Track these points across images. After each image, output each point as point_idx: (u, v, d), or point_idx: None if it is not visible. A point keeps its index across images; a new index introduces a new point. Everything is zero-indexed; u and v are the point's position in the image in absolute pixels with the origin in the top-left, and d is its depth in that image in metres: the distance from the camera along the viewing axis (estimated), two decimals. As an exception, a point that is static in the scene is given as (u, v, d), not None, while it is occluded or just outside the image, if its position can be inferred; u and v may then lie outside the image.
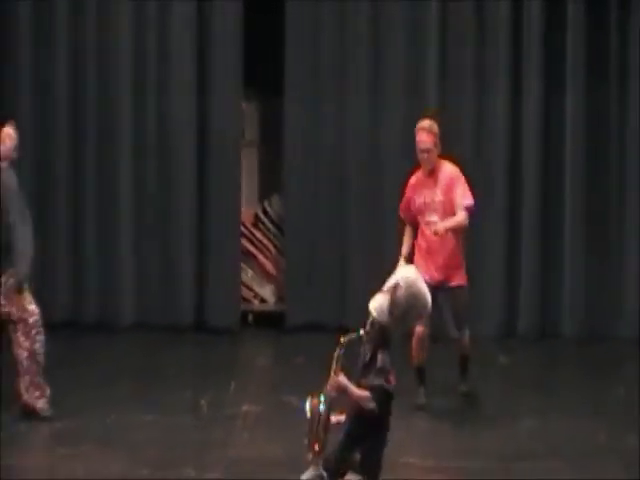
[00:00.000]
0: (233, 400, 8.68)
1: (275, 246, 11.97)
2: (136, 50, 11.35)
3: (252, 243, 11.97)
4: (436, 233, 7.92)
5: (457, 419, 8.11)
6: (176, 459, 7.08)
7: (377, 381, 5.61)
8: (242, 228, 11.85)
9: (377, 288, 11.59)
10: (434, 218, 8.16)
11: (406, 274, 5.82)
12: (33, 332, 7.92)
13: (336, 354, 5.63)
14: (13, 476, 6.74)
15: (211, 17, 11.37)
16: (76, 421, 7.88)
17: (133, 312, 11.41)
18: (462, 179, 8.21)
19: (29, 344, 7.90)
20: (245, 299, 11.84)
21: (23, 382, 7.89)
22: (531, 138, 11.38)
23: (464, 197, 8.15)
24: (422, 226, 8.25)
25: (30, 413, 7.86)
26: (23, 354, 7.90)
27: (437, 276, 8.18)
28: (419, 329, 8.04)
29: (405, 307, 5.66)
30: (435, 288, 7.81)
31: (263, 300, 11.95)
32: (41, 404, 7.90)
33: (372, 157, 11.44)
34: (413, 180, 8.36)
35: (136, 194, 11.40)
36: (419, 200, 8.24)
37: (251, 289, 11.90)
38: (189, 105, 11.37)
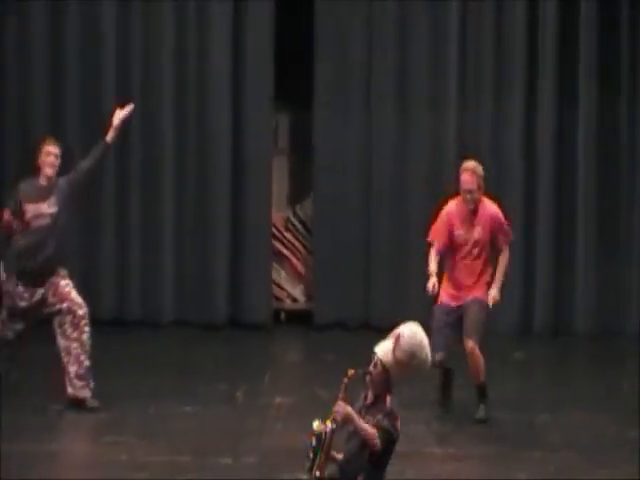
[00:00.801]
0: (266, 392, 8.69)
1: (305, 247, 11.96)
2: (178, 68, 11.34)
3: (284, 245, 11.97)
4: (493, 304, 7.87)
5: (476, 411, 8.02)
6: (213, 447, 7.09)
7: (386, 423, 5.51)
8: (274, 231, 11.85)
9: (401, 288, 11.64)
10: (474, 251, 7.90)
11: (410, 327, 5.73)
12: (82, 323, 7.91)
13: (343, 384, 5.54)
14: (61, 463, 6.77)
15: (246, 36, 11.35)
16: (120, 411, 7.89)
17: (173, 310, 11.43)
18: (502, 217, 7.99)
19: (77, 335, 7.88)
20: (278, 298, 11.84)
21: (69, 374, 7.86)
22: (545, 147, 11.34)
23: (507, 235, 7.99)
24: (456, 258, 7.92)
25: (76, 404, 7.85)
26: (72, 345, 7.88)
27: (463, 297, 7.94)
28: (469, 344, 7.76)
29: (408, 354, 5.59)
30: (458, 307, 7.84)
31: (294, 299, 11.94)
32: (87, 395, 7.88)
33: (397, 164, 11.41)
34: (454, 210, 8.00)
35: (177, 199, 11.42)
36: (459, 233, 7.90)
37: (283, 289, 11.90)
38: (225, 117, 11.36)
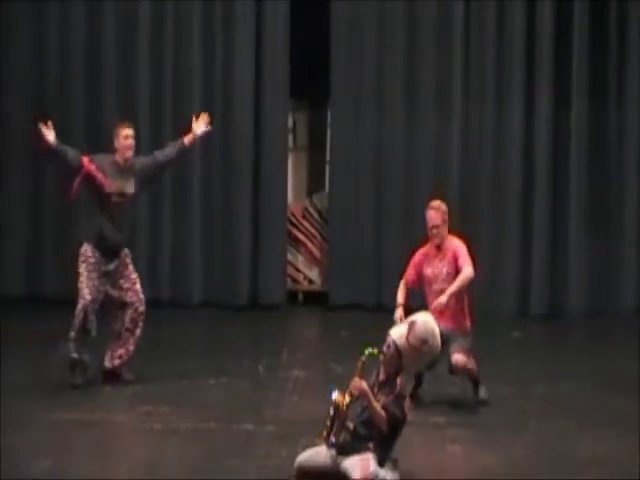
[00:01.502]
0: (285, 366, 8.71)
1: (321, 235, 12.01)
2: (206, 72, 11.43)
3: (302, 232, 12.01)
4: (436, 307, 7.35)
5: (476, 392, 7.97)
6: (237, 415, 7.12)
7: (393, 408, 5.58)
8: (293, 219, 11.89)
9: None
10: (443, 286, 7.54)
11: (423, 317, 5.85)
12: (140, 319, 7.84)
13: (360, 363, 5.61)
14: (102, 430, 6.82)
15: (266, 43, 11.40)
16: (154, 384, 7.92)
17: (201, 292, 11.50)
18: (465, 249, 7.65)
19: (132, 328, 7.81)
20: (295, 280, 11.88)
21: (113, 352, 7.83)
22: (542, 144, 11.36)
23: (466, 260, 7.56)
24: (429, 296, 7.63)
25: (115, 377, 7.85)
26: (125, 334, 7.80)
27: (442, 325, 7.17)
28: (459, 363, 7.40)
29: (421, 340, 5.67)
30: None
31: (311, 281, 11.99)
32: (125, 370, 7.91)
33: (405, 158, 11.45)
34: (423, 252, 7.73)
35: (204, 192, 11.47)
36: (428, 271, 7.66)
37: (301, 272, 11.95)
38: (248, 116, 11.43)
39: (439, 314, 7.09)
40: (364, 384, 5.58)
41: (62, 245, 11.34)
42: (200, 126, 8.11)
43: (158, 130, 11.30)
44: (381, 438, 5.65)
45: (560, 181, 11.36)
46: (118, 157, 7.78)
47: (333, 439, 5.63)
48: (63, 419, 6.96)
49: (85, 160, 7.67)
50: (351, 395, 5.61)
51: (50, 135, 7.68)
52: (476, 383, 7.55)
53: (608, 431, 6.91)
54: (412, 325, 5.74)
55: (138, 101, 11.40)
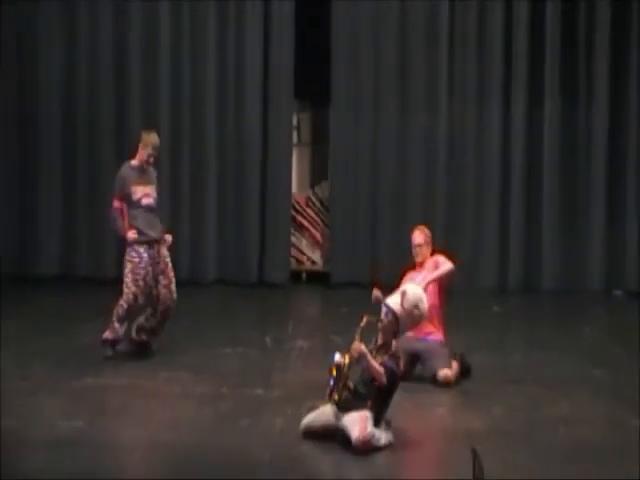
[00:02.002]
0: (290, 338, 8.69)
1: (322, 221, 11.99)
2: (219, 76, 11.37)
3: (305, 218, 11.99)
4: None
5: (457, 352, 7.90)
6: (248, 381, 7.12)
7: (390, 364, 5.64)
8: (297, 207, 11.87)
9: (401, 254, 11.59)
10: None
11: (412, 286, 6.04)
12: (168, 313, 7.69)
13: (359, 328, 5.65)
14: (128, 394, 6.82)
15: (271, 47, 11.34)
16: (173, 353, 7.90)
17: (215, 271, 11.48)
18: (444, 259, 7.41)
19: (160, 319, 7.68)
20: (299, 261, 11.87)
21: (138, 323, 7.74)
22: (519, 139, 11.33)
23: (447, 261, 7.34)
24: None
25: (138, 347, 7.80)
26: (150, 319, 7.68)
27: (422, 334, 7.25)
28: (447, 377, 7.08)
29: (413, 305, 5.79)
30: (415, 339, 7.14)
31: (313, 262, 11.98)
32: (147, 340, 7.82)
33: (398, 152, 11.42)
34: (408, 273, 7.43)
35: (218, 182, 11.45)
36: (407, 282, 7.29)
37: (304, 254, 11.94)
38: (257, 117, 11.39)
39: (423, 326, 6.92)
40: (363, 346, 5.62)
41: (93, 231, 11.37)
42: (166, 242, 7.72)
43: (177, 125, 11.35)
44: (379, 397, 5.67)
45: (534, 171, 11.33)
46: (141, 163, 7.64)
47: (336, 397, 5.65)
48: (93, 384, 6.98)
49: (117, 208, 7.60)
50: (351, 357, 5.63)
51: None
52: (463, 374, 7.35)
53: (579, 395, 6.91)
54: (404, 294, 5.84)
55: (160, 101, 11.38)
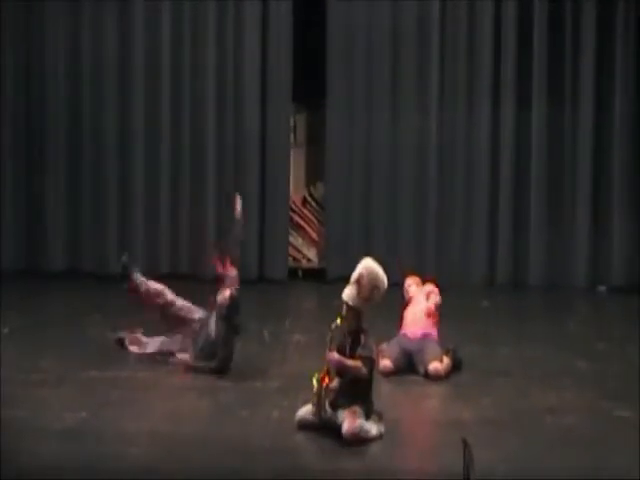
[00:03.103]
0: (287, 331, 8.69)
1: (318, 220, 11.98)
2: (218, 79, 11.35)
3: (301, 218, 11.98)
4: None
5: (449, 347, 7.91)
6: (247, 373, 7.11)
7: (365, 352, 5.52)
8: (294, 207, 11.86)
9: (393, 251, 11.63)
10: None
11: (366, 265, 5.66)
12: (186, 318, 7.54)
13: (329, 337, 5.56)
14: (129, 386, 6.81)
15: (270, 51, 11.31)
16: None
17: (214, 269, 11.40)
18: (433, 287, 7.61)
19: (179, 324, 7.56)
20: (296, 259, 11.86)
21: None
22: (507, 138, 11.32)
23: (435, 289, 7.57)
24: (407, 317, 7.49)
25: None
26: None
27: (414, 333, 7.33)
28: (437, 371, 7.02)
29: (371, 289, 5.55)
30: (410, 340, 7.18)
31: (309, 260, 11.97)
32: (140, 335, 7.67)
33: (392, 152, 11.39)
34: (407, 313, 7.51)
35: (218, 183, 11.42)
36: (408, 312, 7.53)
37: (300, 252, 11.93)
38: (255, 118, 11.35)
39: (422, 327, 7.09)
40: (335, 354, 5.53)
41: (97, 228, 11.36)
42: None
43: (177, 123, 11.33)
44: (363, 390, 5.61)
45: (522, 170, 11.32)
46: None
47: (321, 412, 5.58)
48: (96, 376, 6.96)
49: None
50: (328, 370, 5.55)
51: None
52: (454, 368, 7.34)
53: (564, 387, 6.91)
54: (359, 281, 5.59)
55: (159, 102, 11.36)
